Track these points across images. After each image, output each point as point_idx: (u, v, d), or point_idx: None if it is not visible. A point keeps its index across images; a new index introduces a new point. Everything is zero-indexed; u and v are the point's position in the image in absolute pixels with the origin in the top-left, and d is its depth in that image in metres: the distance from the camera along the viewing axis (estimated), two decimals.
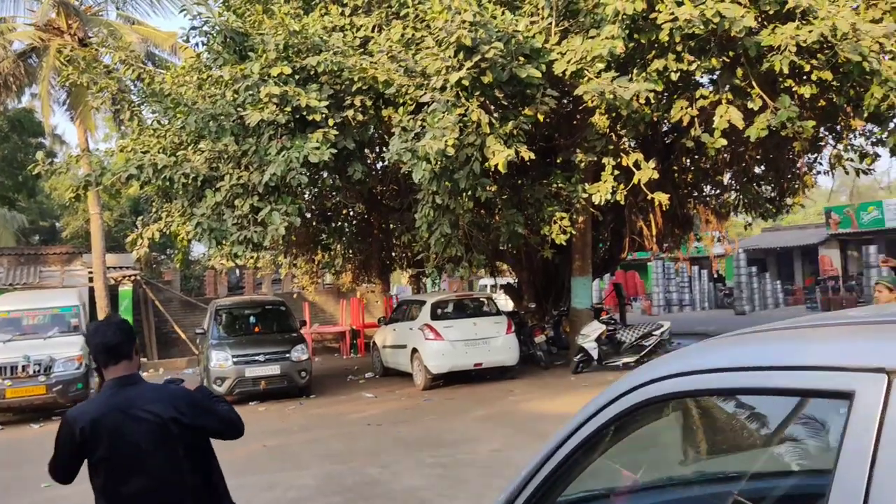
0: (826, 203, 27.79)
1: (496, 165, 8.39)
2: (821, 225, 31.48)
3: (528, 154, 8.40)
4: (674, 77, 8.59)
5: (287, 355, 12.38)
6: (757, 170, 14.73)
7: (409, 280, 20.76)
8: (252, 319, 13.97)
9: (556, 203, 10.68)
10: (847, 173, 14.11)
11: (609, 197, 9.88)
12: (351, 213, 15.95)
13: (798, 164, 14.30)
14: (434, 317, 12.57)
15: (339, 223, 16.13)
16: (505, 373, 12.86)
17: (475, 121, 8.09)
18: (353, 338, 20.02)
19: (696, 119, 8.98)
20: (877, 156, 11.18)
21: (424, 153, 7.95)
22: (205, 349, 12.90)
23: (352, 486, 6.71)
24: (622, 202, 10.44)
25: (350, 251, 17.31)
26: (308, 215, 14.84)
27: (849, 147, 11.50)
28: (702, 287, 29.92)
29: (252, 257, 16.90)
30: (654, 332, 13.05)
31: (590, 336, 12.92)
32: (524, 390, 11.65)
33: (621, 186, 10.10)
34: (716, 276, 31.52)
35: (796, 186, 14.56)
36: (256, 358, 12.22)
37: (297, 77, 9.43)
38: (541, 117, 8.79)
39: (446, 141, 7.87)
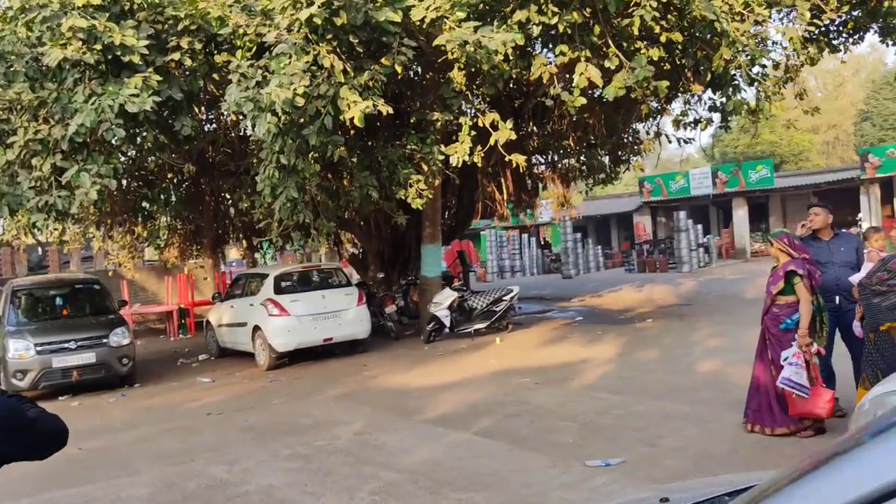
0: (652, 171, 29.73)
1: (350, 121, 7.58)
2: (634, 194, 33.89)
3: (385, 108, 7.66)
4: (535, 31, 8.24)
5: (104, 340, 10.81)
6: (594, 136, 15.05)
7: (244, 253, 19.25)
8: (59, 301, 12.04)
9: (410, 165, 10.06)
10: (670, 142, 14.87)
11: (466, 158, 9.43)
12: (178, 178, 14.17)
13: (634, 131, 14.80)
14: (278, 290, 11.55)
15: (164, 188, 14.29)
16: (356, 346, 12.20)
17: (327, 68, 7.19)
18: (181, 317, 18.26)
19: (555, 77, 8.74)
20: (710, 121, 11.76)
21: (270, 103, 6.94)
22: (0, 338, 10.92)
23: (195, 491, 5.69)
24: (479, 164, 10.05)
25: (177, 221, 15.54)
26: (126, 179, 13.06)
27: (687, 112, 11.98)
28: (531, 254, 31.14)
29: (56, 229, 14.70)
30: (503, 298, 13.03)
31: (442, 304, 12.66)
32: (378, 364, 11.07)
33: (479, 148, 9.69)
34: (543, 243, 33.07)
35: (633, 153, 15.09)
36: (66, 345, 10.54)
37: (108, 13, 7.92)
38: (398, 69, 8.07)
39: (295, 89, 6.91)
